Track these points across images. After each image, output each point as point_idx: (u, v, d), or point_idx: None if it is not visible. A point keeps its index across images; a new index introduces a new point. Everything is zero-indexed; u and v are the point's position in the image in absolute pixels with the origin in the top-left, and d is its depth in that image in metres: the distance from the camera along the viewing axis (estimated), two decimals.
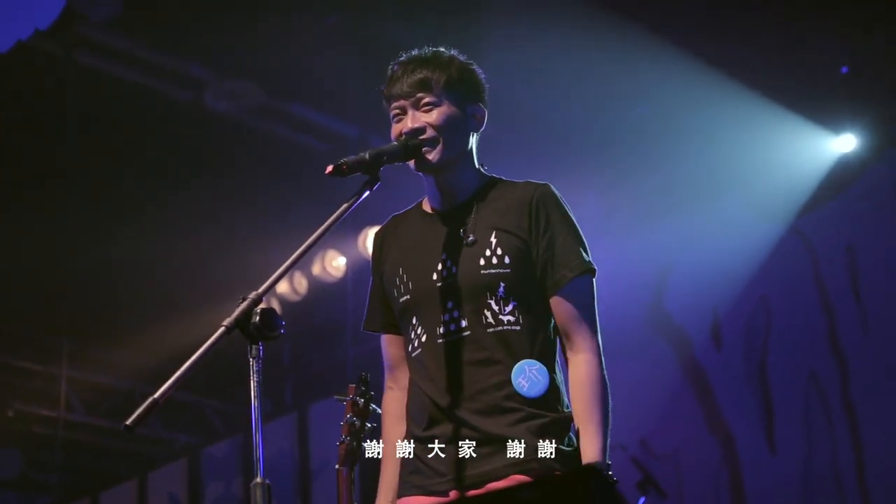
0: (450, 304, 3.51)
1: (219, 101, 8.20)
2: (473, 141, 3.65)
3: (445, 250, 3.56)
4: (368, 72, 7.98)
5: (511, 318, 3.49)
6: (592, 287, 3.56)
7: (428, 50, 3.69)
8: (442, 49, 3.69)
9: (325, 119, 8.77)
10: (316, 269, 9.93)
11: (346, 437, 4.25)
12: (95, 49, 7.74)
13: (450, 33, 7.43)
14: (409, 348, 3.61)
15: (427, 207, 3.79)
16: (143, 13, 7.63)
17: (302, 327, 10.35)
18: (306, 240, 3.55)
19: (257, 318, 3.20)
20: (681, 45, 7.56)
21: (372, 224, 9.34)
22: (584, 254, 3.53)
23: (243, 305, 3.21)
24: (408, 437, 3.63)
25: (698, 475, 8.49)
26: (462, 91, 3.61)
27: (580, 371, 3.48)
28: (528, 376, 3.46)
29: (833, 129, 8.05)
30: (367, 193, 3.57)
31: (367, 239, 9.40)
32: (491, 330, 3.48)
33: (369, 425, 4.24)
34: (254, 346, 3.20)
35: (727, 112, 7.85)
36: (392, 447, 3.70)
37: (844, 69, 7.81)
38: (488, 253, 3.50)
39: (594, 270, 3.55)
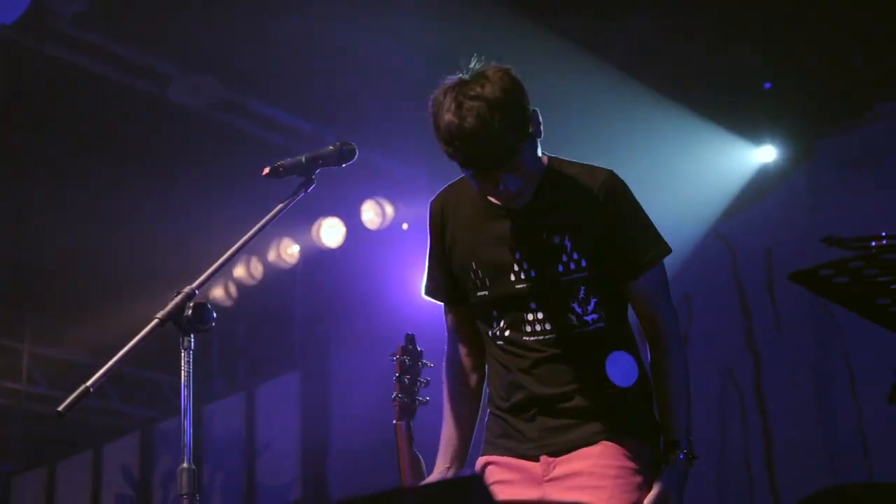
0: (532, 306, 3.44)
1: (181, 95, 8.11)
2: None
3: (520, 251, 3.44)
4: (327, 71, 7.97)
5: (595, 315, 3.42)
6: (665, 273, 3.50)
7: (490, 94, 3.24)
8: (498, 85, 3.28)
9: (282, 115, 8.68)
10: (271, 256, 9.85)
11: (398, 394, 4.20)
12: (62, 41, 7.62)
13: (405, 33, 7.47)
14: (491, 333, 3.53)
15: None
16: (109, 7, 7.52)
17: (257, 310, 10.30)
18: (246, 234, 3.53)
19: (189, 311, 3.18)
20: (612, 61, 7.56)
21: (325, 215, 9.31)
22: (656, 240, 3.47)
23: (177, 299, 3.20)
24: (492, 405, 3.59)
25: None
26: (528, 126, 3.34)
27: (662, 353, 3.48)
28: (619, 367, 3.44)
29: (754, 141, 8.13)
30: (302, 194, 3.53)
31: (320, 229, 9.37)
32: (577, 331, 3.42)
33: (421, 380, 4.19)
34: (185, 338, 3.18)
35: (657, 124, 7.91)
36: (456, 408, 3.69)
37: (767, 85, 7.83)
38: (565, 258, 3.40)
39: (669, 252, 3.48)
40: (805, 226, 7.95)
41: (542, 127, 3.38)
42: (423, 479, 3.84)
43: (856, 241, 2.52)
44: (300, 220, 9.33)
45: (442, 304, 3.69)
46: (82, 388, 2.99)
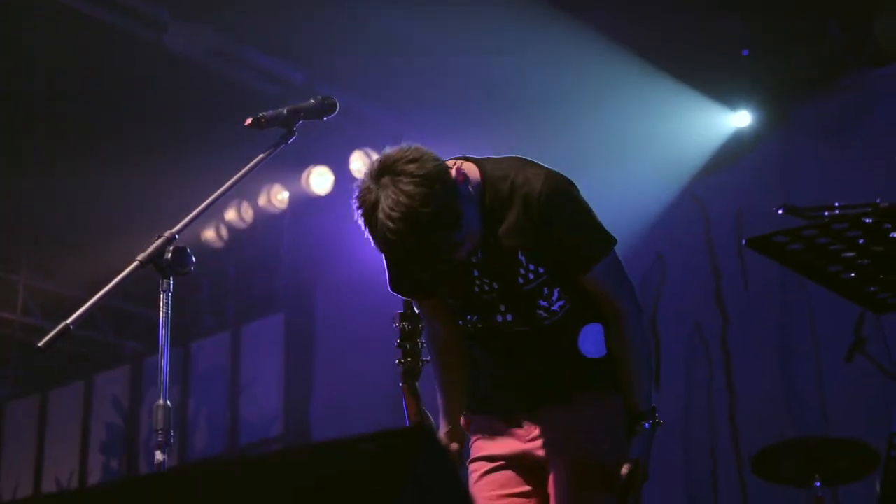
0: (502, 308, 3.47)
1: (176, 42, 8.05)
2: (469, 194, 3.26)
3: (479, 270, 3.44)
4: (318, 22, 7.92)
5: (562, 301, 3.46)
6: (614, 259, 3.45)
7: (415, 219, 3.07)
8: (418, 200, 3.07)
9: (274, 64, 8.62)
10: (262, 201, 9.82)
11: (401, 359, 4.20)
12: None
13: None
14: (461, 323, 3.58)
15: None
16: None
17: (247, 252, 10.30)
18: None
19: (169, 255, 3.18)
20: (592, 24, 7.55)
21: (315, 163, 9.29)
22: (600, 238, 3.42)
23: (157, 243, 3.20)
24: (474, 374, 3.67)
25: None
26: (457, 214, 3.16)
27: (621, 333, 3.48)
28: (591, 339, 3.49)
29: (731, 106, 8.16)
30: (282, 146, 3.52)
31: (310, 176, 9.35)
32: (548, 323, 3.47)
33: (422, 341, 4.20)
34: (165, 281, 3.18)
35: (635, 88, 7.96)
36: (446, 377, 3.77)
37: (745, 52, 7.82)
38: (523, 271, 3.40)
39: (613, 244, 3.44)
40: (776, 190, 7.99)
41: (465, 175, 3.25)
42: None
43: (810, 211, 2.53)
44: (290, 167, 9.31)
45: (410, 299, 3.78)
46: (63, 325, 3.01)
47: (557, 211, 3.33)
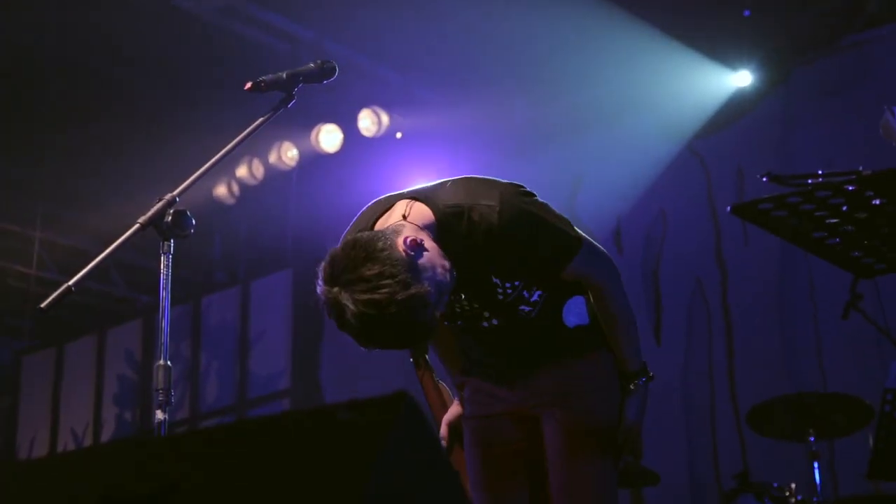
0: (487, 315, 3.47)
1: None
2: (428, 256, 3.14)
3: (464, 293, 3.43)
4: None
5: (540, 292, 3.45)
6: (587, 251, 3.40)
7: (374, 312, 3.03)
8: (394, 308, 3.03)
9: (282, 21, 8.57)
10: (272, 158, 9.80)
11: None
12: None
13: None
14: (448, 323, 3.59)
15: None
16: None
17: (257, 208, 10.31)
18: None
19: (169, 218, 3.17)
20: None
21: (325, 121, 9.27)
22: (566, 243, 3.35)
23: (158, 206, 3.19)
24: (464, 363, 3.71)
25: None
26: (425, 303, 3.07)
27: (603, 303, 3.49)
28: (573, 311, 3.49)
29: (732, 66, 8.12)
30: (282, 109, 3.50)
31: (319, 134, 9.32)
32: (533, 315, 3.46)
33: None
34: (165, 243, 3.18)
35: (638, 50, 7.92)
36: (448, 364, 3.82)
37: (747, 12, 7.76)
38: (500, 290, 3.39)
39: (580, 244, 3.36)
40: (776, 149, 7.97)
41: (415, 244, 3.11)
42: (448, 405, 3.88)
43: (794, 178, 2.52)
44: (300, 125, 9.29)
45: None
46: (64, 286, 3.01)
47: (520, 236, 3.27)
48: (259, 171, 9.93)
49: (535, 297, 3.41)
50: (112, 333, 11.00)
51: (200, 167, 3.37)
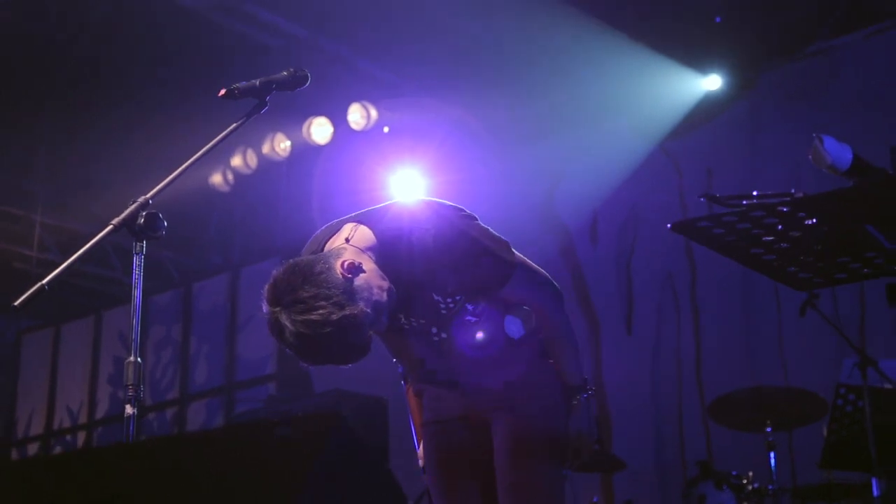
0: (434, 330, 3.46)
1: None
2: (365, 277, 3.15)
3: (402, 314, 3.43)
4: None
5: (483, 304, 3.44)
6: (523, 274, 3.38)
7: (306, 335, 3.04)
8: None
9: (277, 18, 8.55)
10: (265, 148, 9.78)
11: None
12: None
13: None
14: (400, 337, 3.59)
15: None
16: None
17: (251, 196, 10.30)
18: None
19: (142, 220, 3.16)
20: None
21: (316, 114, 9.25)
22: (502, 264, 3.32)
23: (131, 208, 3.18)
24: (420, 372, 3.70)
25: None
26: (354, 311, 3.09)
27: (545, 322, 3.48)
28: (513, 323, 3.47)
29: (702, 71, 8.13)
30: (255, 116, 3.48)
31: (311, 127, 9.30)
32: (475, 323, 3.45)
33: None
34: (138, 244, 3.16)
35: (615, 54, 7.94)
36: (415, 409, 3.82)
37: (718, 19, 7.74)
38: (442, 305, 3.39)
39: (515, 268, 3.34)
40: (745, 150, 7.97)
41: (352, 269, 3.12)
42: None
43: (730, 199, 2.51)
44: (292, 117, 9.28)
45: None
46: (38, 285, 2.99)
47: (456, 259, 3.27)
48: (253, 160, 9.91)
49: (479, 309, 3.42)
50: (108, 315, 10.99)
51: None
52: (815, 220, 2.46)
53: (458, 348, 3.48)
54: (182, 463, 1.78)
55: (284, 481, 1.65)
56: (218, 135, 3.44)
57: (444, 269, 3.28)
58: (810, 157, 2.40)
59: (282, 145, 9.71)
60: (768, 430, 6.22)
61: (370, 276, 3.17)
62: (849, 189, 2.37)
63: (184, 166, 3.35)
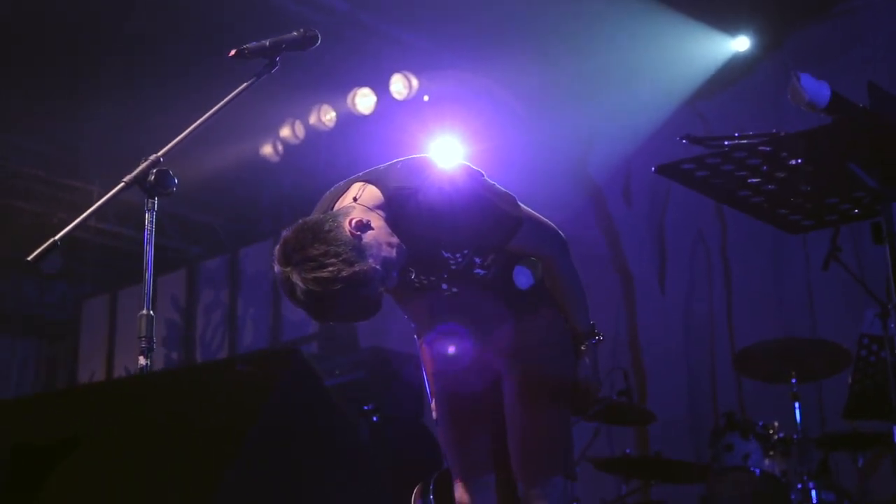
0: (444, 287, 3.45)
1: None
2: (373, 234, 3.09)
3: (413, 270, 3.40)
4: None
5: (493, 256, 3.42)
6: (529, 228, 3.35)
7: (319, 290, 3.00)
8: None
9: None
10: (312, 119, 9.76)
11: None
12: None
13: None
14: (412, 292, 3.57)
15: None
16: None
17: (300, 167, 10.29)
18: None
19: (153, 177, 3.12)
20: None
21: (360, 84, 9.21)
22: (507, 220, 3.30)
23: (143, 166, 3.14)
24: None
25: (603, 306, 8.51)
26: (363, 268, 3.04)
27: (552, 271, 3.48)
28: (522, 274, 3.47)
29: (730, 33, 7.98)
30: (265, 76, 3.44)
31: (355, 97, 9.26)
32: (489, 277, 3.44)
33: None
34: (149, 200, 3.13)
35: (645, 17, 7.76)
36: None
37: None
38: (451, 261, 3.35)
39: (522, 222, 3.32)
40: (772, 109, 7.81)
41: (361, 225, 3.07)
42: None
43: (712, 140, 2.42)
44: (337, 88, 9.25)
45: None
46: (51, 241, 2.98)
47: (463, 215, 3.22)
48: (301, 131, 9.91)
49: (487, 261, 3.38)
50: (161, 281, 11.05)
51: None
52: (799, 161, 2.36)
53: (470, 300, 3.44)
54: (146, 401, 1.74)
55: (241, 410, 1.61)
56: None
57: (453, 226, 3.24)
58: (789, 95, 2.30)
59: (327, 116, 9.69)
60: (793, 381, 6.10)
61: (379, 233, 3.12)
62: (827, 126, 2.27)
63: (195, 125, 3.33)
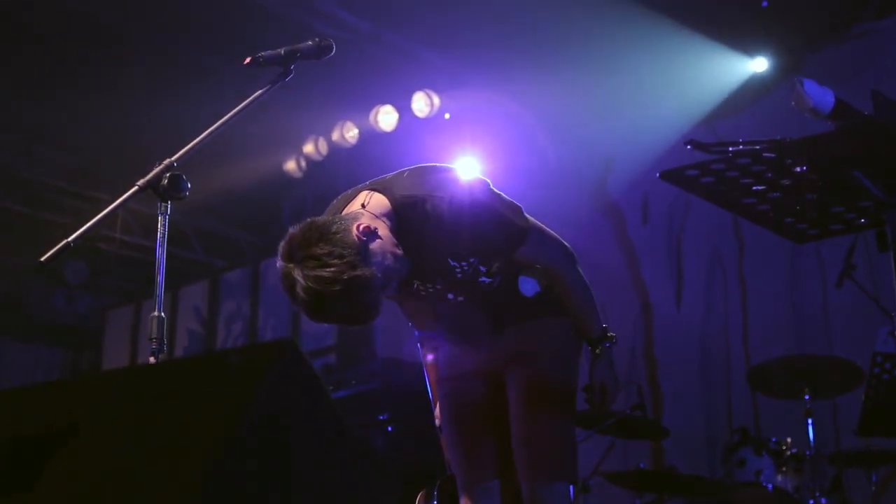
0: (450, 297, 3.45)
1: None
2: (379, 243, 3.11)
3: (417, 280, 3.40)
4: None
5: (498, 265, 3.42)
6: (535, 239, 3.35)
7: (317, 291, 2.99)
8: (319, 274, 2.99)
9: (343, 13, 8.51)
10: (335, 136, 9.79)
11: None
12: None
13: None
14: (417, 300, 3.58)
15: None
16: None
17: (322, 182, 10.30)
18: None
19: (166, 181, 3.12)
20: None
21: (383, 102, 9.23)
22: (514, 232, 3.29)
23: (156, 170, 3.14)
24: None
25: (621, 324, 8.47)
26: (365, 273, 3.03)
27: (559, 280, 3.46)
28: (528, 282, 3.48)
29: (749, 54, 7.97)
30: (279, 83, 3.43)
31: (378, 115, 9.28)
32: (494, 287, 3.44)
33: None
34: (163, 204, 3.12)
35: (663, 40, 7.76)
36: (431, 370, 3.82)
37: (765, 3, 7.58)
38: (457, 269, 3.36)
39: (528, 233, 3.31)
40: (790, 130, 7.73)
41: (369, 233, 3.09)
42: None
43: (716, 146, 2.40)
44: (361, 106, 9.28)
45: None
46: (63, 243, 2.98)
47: (469, 225, 3.21)
48: (324, 147, 9.93)
49: (493, 270, 3.38)
50: (183, 292, 11.08)
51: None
52: (803, 168, 2.34)
53: (475, 308, 3.42)
54: (140, 390, 1.72)
55: (233, 400, 1.61)
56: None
57: (459, 235, 3.24)
58: (793, 102, 2.27)
59: (350, 133, 9.71)
60: (807, 397, 6.05)
61: (385, 242, 3.12)
62: (831, 133, 2.25)
63: (208, 131, 3.32)
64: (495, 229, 3.25)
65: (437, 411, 3.69)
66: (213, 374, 1.71)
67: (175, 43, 8.55)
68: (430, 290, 3.39)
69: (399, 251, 3.12)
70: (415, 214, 3.18)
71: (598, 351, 3.51)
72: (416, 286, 3.36)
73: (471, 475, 3.52)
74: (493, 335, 3.45)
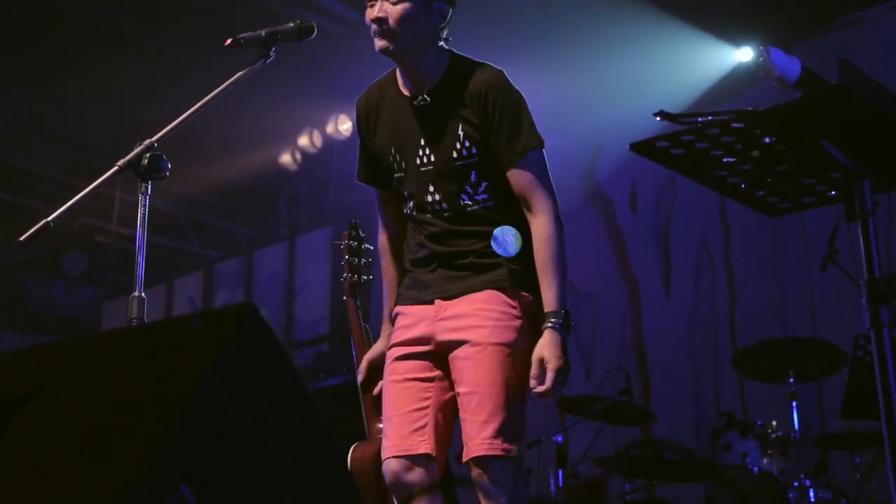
0: (431, 189, 3.42)
1: None
2: (439, 32, 3.44)
3: (425, 138, 3.41)
4: None
5: (485, 195, 3.42)
6: (543, 158, 3.42)
7: None
8: None
9: (336, 5, 8.50)
10: (329, 129, 9.80)
11: (347, 273, 4.12)
12: None
13: None
14: (405, 209, 3.55)
15: (402, 88, 3.52)
16: None
17: (320, 173, 10.32)
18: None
19: (146, 161, 3.08)
20: None
21: None
22: (531, 131, 3.38)
23: (136, 150, 3.10)
24: (406, 263, 3.60)
25: (610, 311, 8.47)
26: None
27: (538, 231, 3.39)
28: (501, 242, 3.41)
29: (735, 43, 7.94)
30: (259, 64, 3.40)
31: None
32: (469, 209, 3.42)
33: (364, 261, 4.14)
34: (143, 184, 3.09)
35: (650, 30, 7.78)
36: (390, 279, 3.69)
37: None
38: (458, 146, 3.36)
39: (542, 143, 3.41)
40: None
41: (447, 17, 3.45)
42: (370, 345, 3.80)
43: (685, 117, 2.36)
44: (355, 98, 9.22)
45: (372, 187, 3.68)
46: (42, 222, 2.94)
47: (502, 92, 3.36)
48: (318, 140, 9.93)
49: (480, 190, 3.39)
50: (178, 282, 11.06)
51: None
52: (773, 139, 2.31)
53: (446, 235, 3.40)
54: (103, 356, 1.70)
55: (194, 363, 1.59)
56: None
57: (485, 112, 3.34)
58: (760, 73, 2.24)
59: (344, 126, 9.71)
60: (791, 381, 6.02)
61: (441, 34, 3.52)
62: (797, 101, 2.22)
63: (189, 112, 3.29)
64: (519, 121, 3.37)
65: (362, 366, 3.69)
66: (176, 338, 1.69)
67: (173, 36, 8.53)
68: (425, 161, 3.39)
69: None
70: (469, 65, 3.46)
71: (549, 323, 3.30)
72: (420, 147, 3.40)
73: (403, 440, 3.35)
74: (449, 293, 3.39)
